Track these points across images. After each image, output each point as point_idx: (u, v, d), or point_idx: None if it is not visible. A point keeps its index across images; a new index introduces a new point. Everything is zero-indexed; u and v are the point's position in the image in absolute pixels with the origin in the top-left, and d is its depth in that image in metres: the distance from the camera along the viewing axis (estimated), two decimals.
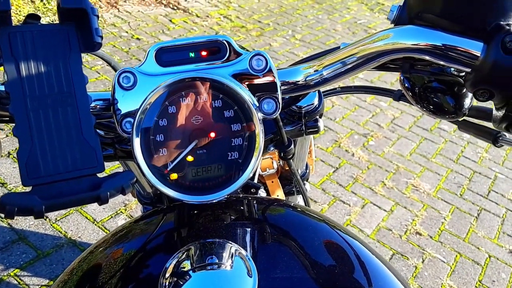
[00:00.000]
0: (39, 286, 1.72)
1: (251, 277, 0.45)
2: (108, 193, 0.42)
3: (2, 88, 0.52)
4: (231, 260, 0.46)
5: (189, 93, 0.52)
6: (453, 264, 2.18)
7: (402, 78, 0.63)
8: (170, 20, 4.01)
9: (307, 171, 1.06)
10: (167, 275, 0.46)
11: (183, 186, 0.54)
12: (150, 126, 0.52)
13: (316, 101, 0.74)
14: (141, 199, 0.92)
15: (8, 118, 0.54)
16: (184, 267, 0.46)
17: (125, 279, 0.51)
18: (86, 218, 2.03)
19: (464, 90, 0.58)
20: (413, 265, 2.12)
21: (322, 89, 0.75)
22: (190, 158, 0.53)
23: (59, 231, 1.95)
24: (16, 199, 0.39)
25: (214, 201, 0.53)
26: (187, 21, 4.06)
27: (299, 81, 0.56)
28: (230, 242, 0.49)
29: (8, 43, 0.43)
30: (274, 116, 0.54)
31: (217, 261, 0.45)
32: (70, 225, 1.97)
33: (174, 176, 0.53)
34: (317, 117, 0.74)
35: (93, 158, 0.44)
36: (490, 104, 0.53)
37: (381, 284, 0.55)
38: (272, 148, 0.73)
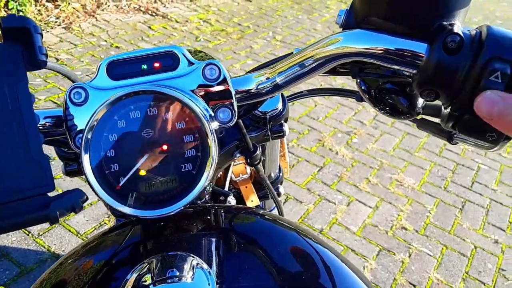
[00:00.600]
0: None
1: None
2: (58, 212, 0.42)
3: None
4: (192, 272, 0.46)
5: (139, 106, 0.52)
6: (439, 257, 2.19)
7: (358, 80, 0.64)
8: (149, 27, 3.99)
9: (281, 174, 1.06)
10: None
11: (137, 201, 0.52)
12: (100, 141, 0.51)
13: (280, 106, 0.74)
14: (113, 212, 0.91)
15: None
16: (145, 281, 0.45)
17: None
18: (70, 231, 2.01)
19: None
20: (400, 260, 2.13)
21: (286, 93, 0.75)
22: (142, 172, 0.53)
23: (42, 245, 1.92)
24: None
25: (171, 213, 0.52)
26: (166, 27, 4.05)
27: (251, 89, 0.55)
28: (192, 255, 0.49)
29: None
30: (231, 125, 0.54)
31: (177, 273, 0.45)
32: (53, 239, 1.95)
33: (127, 191, 0.52)
34: (282, 121, 0.74)
35: (42, 177, 0.44)
36: None
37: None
38: (238, 155, 0.72)
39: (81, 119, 0.52)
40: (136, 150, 0.52)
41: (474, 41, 0.45)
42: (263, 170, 1.01)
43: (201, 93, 0.53)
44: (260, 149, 0.73)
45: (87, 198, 0.45)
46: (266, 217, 0.66)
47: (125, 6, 4.23)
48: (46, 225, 2.01)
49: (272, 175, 1.03)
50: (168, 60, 0.54)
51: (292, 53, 0.57)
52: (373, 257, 2.12)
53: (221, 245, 0.56)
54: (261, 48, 3.91)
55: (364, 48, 0.50)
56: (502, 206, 2.59)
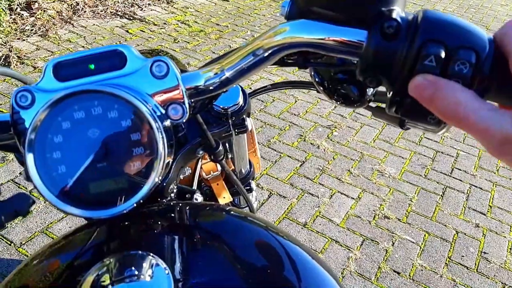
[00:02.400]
0: None
1: (167, 287, 0.45)
2: (2, 217, 0.42)
3: None
4: (151, 270, 0.46)
5: (82, 106, 0.52)
6: (422, 243, 2.23)
7: (312, 73, 0.65)
8: (127, 31, 3.97)
9: (251, 169, 1.07)
10: None
11: (87, 202, 0.52)
12: (45, 143, 0.51)
13: (241, 101, 0.75)
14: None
15: None
16: (103, 281, 0.45)
17: None
18: (52, 238, 2.00)
19: None
20: (384, 248, 2.16)
21: (248, 89, 0.77)
22: (90, 173, 0.52)
23: (25, 255, 1.92)
24: None
25: (123, 212, 0.52)
26: (144, 30, 4.04)
27: (200, 86, 0.56)
28: (151, 254, 0.49)
29: None
30: (183, 121, 0.54)
31: (136, 273, 0.45)
32: (36, 247, 1.95)
33: (75, 193, 0.52)
34: (244, 116, 0.75)
35: None
36: None
37: (311, 281, 0.55)
38: (201, 152, 0.73)
39: (29, 123, 0.51)
40: (82, 150, 0.52)
41: (411, 26, 0.45)
42: (230, 166, 1.02)
43: (151, 91, 0.54)
44: (226, 145, 0.74)
45: (33, 202, 0.45)
46: (232, 213, 0.66)
47: (101, 11, 4.20)
48: (28, 234, 2.00)
49: (243, 171, 1.04)
50: (115, 59, 0.54)
51: (240, 46, 0.58)
52: (357, 247, 2.15)
53: (183, 243, 0.56)
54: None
55: (308, 38, 0.51)
56: (482, 191, 2.63)
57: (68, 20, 3.97)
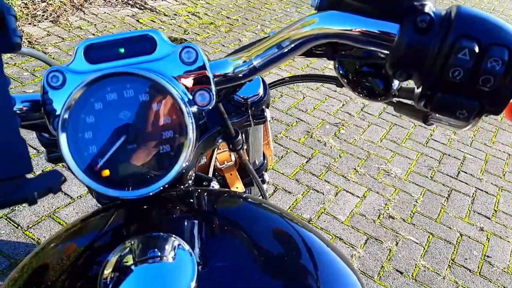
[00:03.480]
0: None
1: (191, 269, 0.45)
2: (36, 193, 0.42)
3: None
4: (174, 252, 0.46)
5: (115, 88, 0.53)
6: (426, 244, 2.23)
7: (336, 65, 0.65)
8: (138, 20, 3.97)
9: (265, 161, 1.08)
10: (108, 270, 0.45)
11: (116, 182, 0.53)
12: (77, 123, 0.52)
13: (261, 91, 0.76)
14: (98, 199, 0.92)
15: None
16: (126, 261, 0.46)
17: (67, 276, 0.51)
18: (59, 223, 2.01)
19: None
20: (388, 248, 2.17)
21: (268, 80, 0.77)
22: (120, 154, 0.53)
23: (32, 238, 1.93)
24: None
25: (150, 194, 0.53)
26: (154, 20, 4.04)
27: (229, 73, 0.57)
28: (173, 235, 0.50)
29: None
30: (209, 108, 0.55)
31: (159, 254, 0.45)
32: (42, 231, 1.96)
33: (105, 173, 0.53)
34: (264, 107, 0.75)
35: (19, 159, 0.44)
36: None
37: (330, 272, 0.56)
38: (220, 141, 0.74)
39: (59, 103, 0.52)
40: (114, 132, 0.53)
41: (444, 21, 0.46)
42: (247, 157, 1.03)
43: (179, 76, 0.54)
44: (243, 135, 0.75)
45: (65, 180, 0.46)
46: (250, 200, 0.67)
47: None
48: (35, 218, 2.01)
49: (257, 162, 1.05)
50: (145, 43, 0.55)
51: (268, 36, 0.59)
52: (360, 245, 2.16)
53: (203, 227, 0.57)
54: (249, 41, 3.90)
55: (338, 29, 0.51)
56: (487, 195, 2.63)
57: (80, 7, 3.97)
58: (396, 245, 2.20)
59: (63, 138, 0.51)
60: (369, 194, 2.48)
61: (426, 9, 0.47)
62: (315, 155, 2.70)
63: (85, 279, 0.51)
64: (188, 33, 3.91)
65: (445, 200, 2.53)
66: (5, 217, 1.99)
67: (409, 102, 0.63)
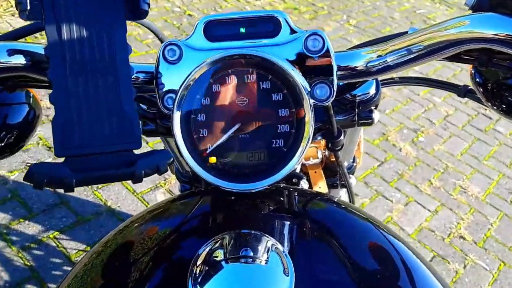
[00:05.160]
0: (76, 251, 1.76)
1: (287, 275, 0.41)
2: (143, 171, 0.40)
3: (42, 51, 0.50)
4: (267, 254, 0.42)
5: (236, 71, 0.49)
6: (496, 272, 2.07)
7: (473, 72, 0.57)
8: None
9: (354, 164, 1.01)
10: (199, 262, 0.43)
11: (221, 171, 0.50)
12: (192, 104, 0.49)
13: (372, 91, 0.69)
14: (179, 177, 0.90)
15: (46, 84, 0.52)
16: (217, 256, 0.43)
17: (155, 260, 0.49)
18: (127, 188, 2.06)
19: None
20: (454, 269, 2.03)
21: (381, 77, 0.70)
22: (231, 142, 0.50)
23: (100, 198, 1.98)
24: (46, 170, 0.37)
25: (253, 190, 0.49)
26: (240, 0, 4.01)
27: (358, 67, 0.51)
28: (267, 235, 0.46)
29: (51, 4, 0.41)
30: (327, 104, 0.50)
31: (252, 254, 0.42)
32: (110, 193, 2.01)
33: (213, 159, 0.50)
34: (372, 107, 0.68)
35: (131, 132, 0.42)
36: None
37: None
38: (319, 138, 0.68)
39: (172, 78, 0.49)
40: (228, 117, 0.50)
41: None
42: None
43: (299, 65, 0.49)
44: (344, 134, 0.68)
45: (173, 161, 0.43)
46: (344, 206, 0.62)
47: None
48: None
49: (346, 163, 0.98)
50: (269, 25, 0.50)
51: (406, 32, 0.52)
52: None
53: (296, 230, 0.52)
54: (333, 31, 3.80)
55: (498, 35, 0.43)
56: None
57: None
58: (464, 268, 2.05)
59: (176, 117, 0.48)
60: (442, 209, 2.33)
61: None
62: (389, 160, 2.57)
63: (173, 267, 0.48)
64: None
65: None
66: None
67: None
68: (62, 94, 0.40)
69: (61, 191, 1.92)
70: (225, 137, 0.49)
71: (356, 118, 0.68)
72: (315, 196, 0.64)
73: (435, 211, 2.31)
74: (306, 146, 0.49)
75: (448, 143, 2.82)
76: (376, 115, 0.68)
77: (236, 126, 0.49)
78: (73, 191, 0.39)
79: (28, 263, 1.68)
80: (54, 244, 1.77)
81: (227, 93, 0.49)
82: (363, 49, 0.51)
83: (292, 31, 0.50)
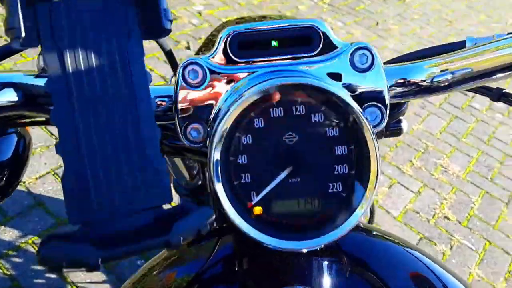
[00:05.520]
0: None
1: None
2: (181, 238, 0.32)
3: (36, 81, 0.41)
4: None
5: (283, 102, 0.40)
6: (481, 252, 2.09)
7: None
8: None
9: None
10: None
11: (268, 223, 0.41)
12: (229, 143, 0.40)
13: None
14: (179, 191, 0.82)
15: (44, 119, 0.43)
16: None
17: None
18: None
19: None
20: (441, 251, 2.04)
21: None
22: (279, 189, 0.41)
23: None
24: (62, 250, 0.29)
25: (304, 250, 0.41)
26: None
27: (422, 82, 0.43)
28: None
29: (49, 27, 0.32)
30: (378, 130, 0.42)
31: None
32: None
33: (257, 210, 0.41)
34: (401, 117, 0.62)
35: (159, 184, 0.34)
36: None
37: None
38: None
39: (196, 106, 0.41)
40: (276, 159, 0.41)
41: None
42: None
43: (350, 87, 0.42)
44: None
45: (213, 218, 0.35)
46: (381, 235, 0.56)
47: None
48: None
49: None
50: (305, 37, 0.42)
51: (464, 42, 0.45)
52: None
53: (335, 275, 0.45)
54: (307, 10, 3.71)
55: None
56: None
57: None
58: (450, 249, 2.07)
59: (214, 160, 0.39)
60: (425, 190, 2.33)
61: None
62: None
63: None
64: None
65: (504, 205, 2.36)
66: (53, 173, 1.94)
67: None
68: (71, 143, 0.32)
69: (36, 191, 1.80)
70: (274, 183, 0.40)
71: (384, 129, 0.62)
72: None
73: (418, 192, 2.31)
74: (374, 191, 0.40)
75: (426, 121, 2.82)
76: (404, 124, 0.62)
77: (286, 171, 0.40)
78: (98, 270, 0.31)
79: (7, 272, 1.57)
80: (33, 250, 1.66)
81: (272, 129, 0.40)
82: (424, 62, 0.44)
83: (332, 44, 0.42)
